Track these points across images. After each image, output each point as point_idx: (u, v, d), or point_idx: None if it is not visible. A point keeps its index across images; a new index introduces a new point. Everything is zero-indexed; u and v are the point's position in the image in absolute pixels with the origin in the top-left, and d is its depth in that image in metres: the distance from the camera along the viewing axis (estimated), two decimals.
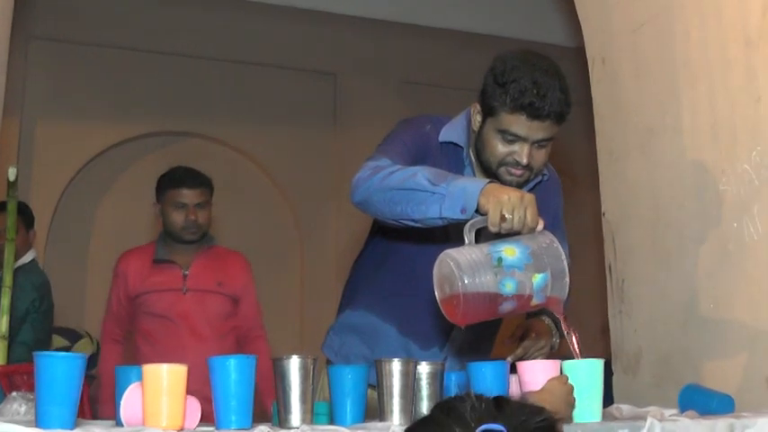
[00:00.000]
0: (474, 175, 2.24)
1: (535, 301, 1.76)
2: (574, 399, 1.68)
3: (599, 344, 4.99)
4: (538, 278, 1.74)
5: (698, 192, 2.50)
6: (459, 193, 1.85)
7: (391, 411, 1.73)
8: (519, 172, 2.13)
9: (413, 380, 1.75)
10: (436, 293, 1.77)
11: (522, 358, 2.22)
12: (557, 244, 1.79)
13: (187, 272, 3.43)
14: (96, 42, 5.77)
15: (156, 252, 3.46)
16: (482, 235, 1.82)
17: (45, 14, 5.46)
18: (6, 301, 2.96)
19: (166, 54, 5.96)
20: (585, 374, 1.76)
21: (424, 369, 1.80)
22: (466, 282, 1.69)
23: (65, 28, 5.69)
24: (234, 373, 1.55)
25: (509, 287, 1.72)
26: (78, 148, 5.64)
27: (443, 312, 1.77)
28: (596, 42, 3.01)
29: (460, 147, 2.25)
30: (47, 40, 5.63)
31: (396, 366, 1.73)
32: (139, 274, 3.42)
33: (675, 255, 2.58)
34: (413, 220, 1.95)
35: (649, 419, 1.75)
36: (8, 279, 3.02)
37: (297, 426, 1.63)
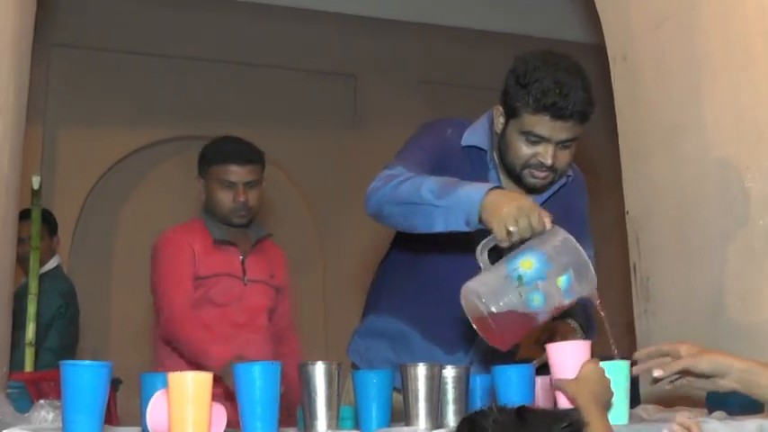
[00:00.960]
0: (498, 179, 2.22)
1: (567, 302, 1.75)
2: (609, 380, 1.66)
3: (624, 342, 4.96)
4: (562, 281, 1.73)
5: (722, 189, 2.48)
6: (459, 206, 1.85)
7: (417, 415, 1.72)
8: (543, 174, 2.12)
9: (438, 383, 1.75)
10: (475, 327, 1.76)
11: (547, 362, 2.20)
12: (570, 238, 1.76)
13: (246, 258, 3.04)
14: (117, 49, 5.81)
15: (211, 231, 3.00)
16: (495, 249, 1.81)
17: (65, 22, 5.50)
18: (33, 309, 2.99)
19: (186, 59, 5.99)
20: (612, 376, 1.75)
21: (449, 373, 1.80)
22: (494, 311, 1.69)
23: (85, 35, 5.73)
24: (259, 379, 1.56)
25: (537, 301, 1.71)
26: (101, 153, 5.68)
27: (489, 342, 1.77)
28: (617, 40, 3.00)
29: (484, 150, 2.23)
30: (67, 48, 5.66)
31: (421, 370, 1.73)
32: (204, 253, 2.95)
33: (701, 253, 2.56)
34: (423, 233, 1.97)
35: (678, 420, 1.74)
36: (33, 286, 3.06)
37: (323, 431, 1.63)
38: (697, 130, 2.58)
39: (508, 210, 1.77)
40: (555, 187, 2.24)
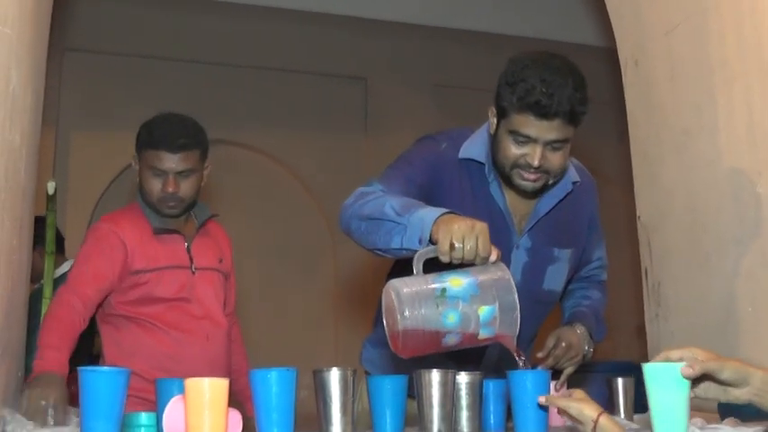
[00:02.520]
0: (501, 191, 2.21)
1: (483, 335, 1.69)
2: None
3: (634, 346, 4.97)
4: (484, 311, 1.68)
5: (735, 194, 2.48)
6: (417, 224, 1.82)
7: (431, 421, 1.73)
8: (533, 176, 2.10)
9: (452, 390, 1.76)
10: (384, 324, 1.72)
11: (553, 368, 2.21)
12: (508, 276, 1.72)
13: (191, 245, 2.78)
14: (129, 53, 5.85)
15: (150, 219, 2.74)
16: (436, 266, 1.77)
17: (78, 26, 5.53)
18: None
19: (198, 63, 6.02)
20: (673, 380, 1.52)
21: (462, 379, 1.81)
22: (406, 314, 1.65)
23: (98, 39, 5.77)
24: (275, 385, 1.57)
25: (451, 319, 1.66)
26: (113, 157, 5.70)
27: (390, 344, 1.71)
28: (629, 44, 3.00)
29: (482, 163, 2.21)
30: (80, 52, 5.70)
31: (435, 377, 1.74)
32: (140, 244, 2.69)
33: (713, 258, 2.56)
34: (381, 251, 1.94)
35: (690, 427, 1.74)
36: (48, 291, 3.06)
37: None
38: (709, 134, 2.58)
39: (459, 226, 1.73)
40: (560, 194, 2.24)
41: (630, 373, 2.20)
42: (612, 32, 3.09)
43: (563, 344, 2.23)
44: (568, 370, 2.25)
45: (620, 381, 2.15)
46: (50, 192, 2.68)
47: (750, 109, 2.43)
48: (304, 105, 6.26)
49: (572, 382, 2.27)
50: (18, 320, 2.09)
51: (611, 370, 3.19)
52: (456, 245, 1.71)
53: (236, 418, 1.59)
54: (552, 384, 1.98)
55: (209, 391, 1.49)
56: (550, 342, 2.24)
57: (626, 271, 4.30)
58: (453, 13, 6.30)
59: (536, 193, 2.19)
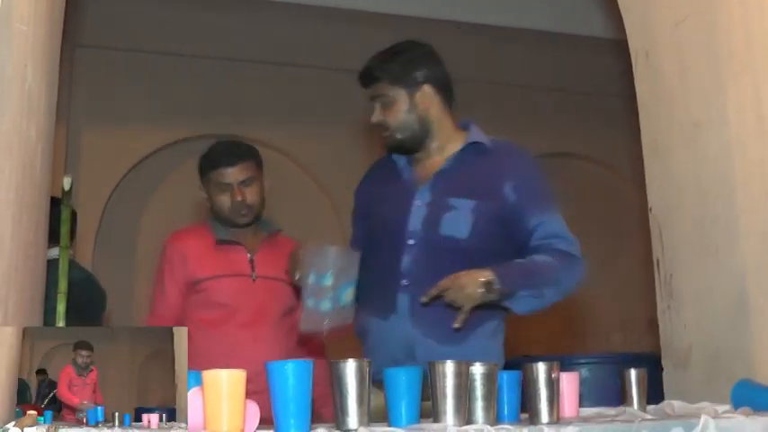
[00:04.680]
0: (409, 165, 2.73)
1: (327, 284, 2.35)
2: None
3: (646, 338, 4.97)
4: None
5: (745, 185, 2.49)
6: None
7: (445, 412, 1.74)
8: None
9: (466, 380, 1.77)
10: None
11: (437, 297, 2.37)
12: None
13: (254, 256, 3.09)
14: (139, 48, 5.86)
15: (216, 232, 3.10)
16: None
17: (88, 23, 5.55)
18: (62, 307, 3.01)
19: (208, 58, 6.03)
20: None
21: (477, 370, 1.82)
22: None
23: (108, 35, 5.78)
24: (292, 377, 1.58)
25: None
26: (124, 153, 5.74)
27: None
28: (639, 36, 3.00)
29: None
30: (91, 48, 5.72)
31: (449, 367, 1.75)
32: (201, 255, 3.05)
33: (724, 249, 2.57)
34: None
35: (704, 417, 1.76)
36: (63, 285, 3.07)
37: (354, 428, 1.65)
38: (719, 126, 2.58)
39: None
40: (452, 157, 2.60)
41: (643, 365, 2.21)
42: (621, 24, 3.10)
43: (450, 276, 2.34)
44: (465, 308, 2.34)
45: (632, 372, 2.16)
46: (66, 187, 2.70)
47: (759, 101, 2.44)
48: (313, 100, 6.26)
49: (587, 374, 2.28)
50: (35, 316, 2.11)
51: (624, 361, 3.19)
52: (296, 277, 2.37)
53: (253, 409, 1.61)
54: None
55: (226, 383, 1.51)
56: (434, 292, 2.37)
57: (638, 265, 4.30)
58: (461, 6, 6.29)
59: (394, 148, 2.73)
